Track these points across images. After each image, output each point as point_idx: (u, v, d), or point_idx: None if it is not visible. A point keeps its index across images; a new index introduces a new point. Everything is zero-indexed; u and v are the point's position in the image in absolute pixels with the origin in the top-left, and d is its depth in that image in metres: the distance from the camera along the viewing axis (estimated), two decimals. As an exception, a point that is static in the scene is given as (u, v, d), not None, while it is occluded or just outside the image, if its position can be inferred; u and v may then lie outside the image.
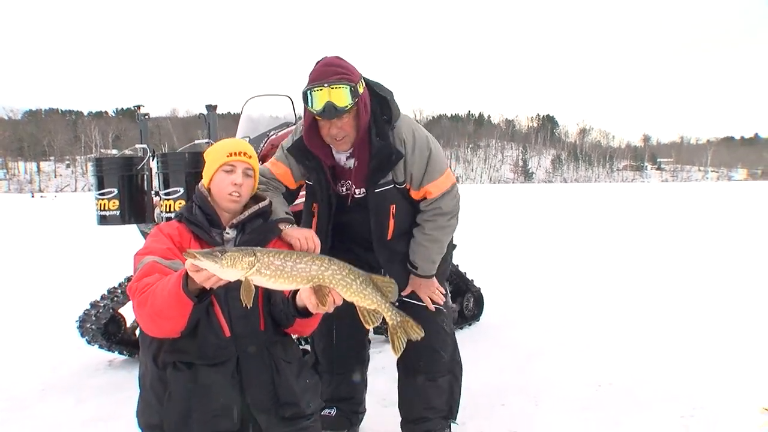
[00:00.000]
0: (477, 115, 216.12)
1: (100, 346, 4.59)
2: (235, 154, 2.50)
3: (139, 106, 4.83)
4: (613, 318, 6.02)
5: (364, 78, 2.74)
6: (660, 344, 5.04)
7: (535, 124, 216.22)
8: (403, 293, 3.04)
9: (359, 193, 2.92)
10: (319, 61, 2.66)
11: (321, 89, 2.54)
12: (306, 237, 2.67)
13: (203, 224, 2.47)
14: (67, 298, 6.42)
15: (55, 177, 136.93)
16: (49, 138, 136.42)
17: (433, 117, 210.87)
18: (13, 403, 3.99)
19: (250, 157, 2.54)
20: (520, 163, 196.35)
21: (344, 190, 2.96)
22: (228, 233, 2.52)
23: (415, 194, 2.93)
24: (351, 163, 2.87)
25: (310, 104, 2.59)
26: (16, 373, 4.54)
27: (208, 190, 2.55)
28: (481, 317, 5.95)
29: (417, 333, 2.25)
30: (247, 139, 4.63)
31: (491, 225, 17.36)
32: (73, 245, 13.09)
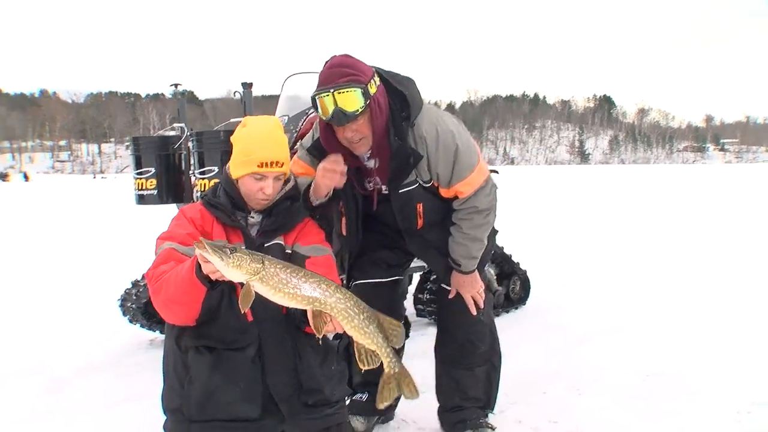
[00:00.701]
0: (532, 96, 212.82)
1: (141, 326, 4.61)
2: (267, 164, 2.32)
3: (176, 84, 4.80)
4: (666, 304, 5.75)
5: (379, 72, 2.57)
6: (718, 334, 4.78)
7: (592, 105, 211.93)
8: (444, 285, 2.97)
9: (386, 190, 2.79)
10: (327, 62, 2.49)
11: (328, 94, 2.38)
12: (323, 167, 2.58)
13: (226, 208, 2.38)
14: (113, 276, 6.50)
15: (116, 158, 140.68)
16: (110, 120, 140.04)
17: (488, 97, 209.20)
18: (54, 380, 4.03)
19: (282, 164, 2.37)
20: (577, 144, 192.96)
21: (371, 186, 2.82)
22: (253, 217, 2.43)
23: (444, 193, 2.77)
24: (372, 163, 2.73)
25: (319, 111, 2.44)
26: (60, 351, 4.58)
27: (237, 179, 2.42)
28: (527, 301, 5.78)
29: (412, 393, 2.14)
30: (286, 117, 4.54)
31: (544, 207, 17.03)
32: (121, 224, 13.40)
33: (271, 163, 2.33)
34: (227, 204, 2.39)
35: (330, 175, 2.57)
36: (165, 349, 2.39)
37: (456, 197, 2.75)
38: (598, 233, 11.43)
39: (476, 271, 2.91)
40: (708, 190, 27.58)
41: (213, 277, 1.96)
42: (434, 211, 2.83)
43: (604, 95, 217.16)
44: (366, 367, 2.08)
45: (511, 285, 5.62)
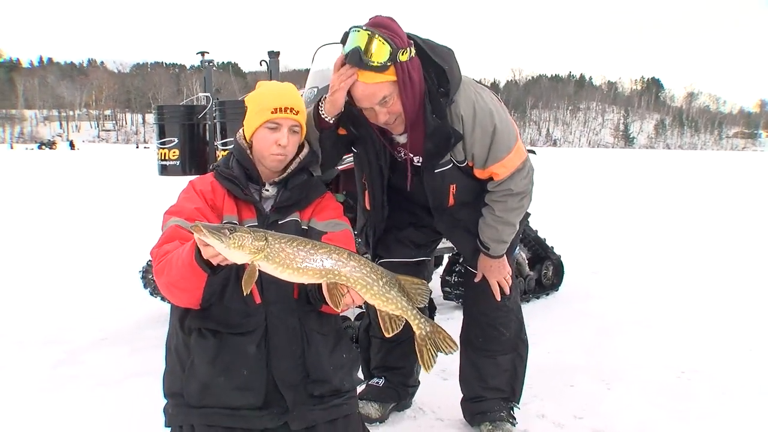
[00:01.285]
0: (578, 77, 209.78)
1: (162, 299, 4.55)
2: (281, 110, 2.21)
3: (203, 53, 4.67)
4: (705, 299, 5.49)
5: (417, 44, 2.37)
6: (759, 332, 4.53)
7: (639, 87, 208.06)
8: (470, 267, 2.83)
9: (417, 162, 2.60)
10: (370, 18, 2.30)
11: (359, 31, 2.19)
12: (333, 81, 2.34)
13: (240, 179, 2.24)
14: (138, 246, 6.49)
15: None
16: (154, 91, 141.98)
17: (533, 77, 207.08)
18: (72, 350, 3.99)
19: (297, 112, 2.25)
20: (621, 127, 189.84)
21: (403, 156, 2.63)
22: (267, 190, 2.29)
23: (479, 173, 2.58)
24: (403, 138, 2.54)
25: (345, 44, 2.24)
26: (78, 321, 4.56)
27: (250, 142, 2.31)
28: (560, 287, 5.59)
29: (449, 347, 1.99)
30: (316, 89, 4.41)
31: (583, 191, 16.64)
32: (151, 194, 13.42)
33: (285, 109, 2.21)
34: (241, 175, 2.26)
35: (339, 80, 2.30)
36: (169, 329, 2.28)
37: (491, 178, 2.58)
38: (638, 220, 11.09)
39: (505, 256, 2.74)
40: (758, 178, 26.73)
41: (215, 261, 1.82)
42: (467, 191, 2.66)
43: (652, 78, 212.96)
44: (391, 334, 1.95)
45: (543, 270, 5.44)
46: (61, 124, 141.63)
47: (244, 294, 1.81)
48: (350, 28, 2.24)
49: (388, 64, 2.20)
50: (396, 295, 1.89)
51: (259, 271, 1.81)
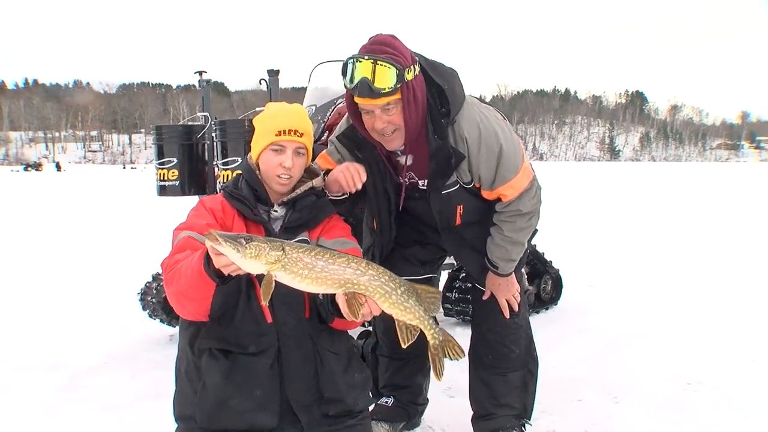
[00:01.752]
0: (563, 91, 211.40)
1: (161, 321, 4.51)
2: (285, 132, 2.20)
3: (201, 72, 4.64)
4: (705, 309, 5.51)
5: (422, 62, 2.37)
6: (760, 341, 4.54)
7: (623, 101, 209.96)
8: (478, 285, 2.82)
9: (423, 185, 2.59)
10: (371, 37, 2.29)
11: (362, 61, 2.17)
12: (346, 166, 2.40)
13: (249, 200, 2.23)
14: (134, 269, 6.43)
15: (146, 149, 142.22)
16: (140, 111, 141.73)
17: (518, 92, 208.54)
18: (74, 374, 3.93)
19: (301, 135, 2.24)
20: (607, 140, 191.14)
21: (406, 181, 2.62)
22: (276, 211, 2.28)
23: (487, 195, 2.57)
24: (405, 159, 2.52)
25: (347, 77, 2.22)
26: (78, 346, 4.48)
27: (257, 163, 2.30)
28: (559, 301, 5.58)
29: (457, 355, 1.98)
30: (314, 107, 4.39)
31: (574, 204, 16.67)
32: (145, 215, 13.35)
33: (289, 131, 2.20)
34: (250, 196, 2.25)
35: (346, 177, 2.39)
36: (178, 351, 2.25)
37: (499, 199, 2.57)
38: (629, 232, 11.13)
39: (513, 273, 2.73)
40: (742, 189, 26.96)
41: (226, 271, 1.78)
42: (474, 211, 2.66)
43: (636, 91, 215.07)
44: (407, 344, 1.92)
45: (542, 284, 5.43)
46: (47, 146, 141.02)
47: (264, 303, 1.77)
48: (349, 59, 2.22)
49: (398, 86, 2.20)
50: (414, 305, 1.87)
51: (276, 282, 1.77)
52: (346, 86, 2.25)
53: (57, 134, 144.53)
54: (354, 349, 2.41)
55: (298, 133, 2.22)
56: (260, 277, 1.77)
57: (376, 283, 1.83)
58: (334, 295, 1.90)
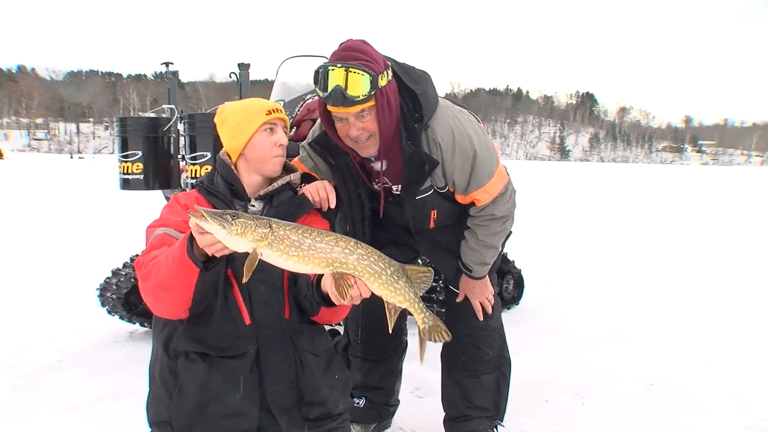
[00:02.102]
0: (515, 90, 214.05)
1: (121, 317, 4.37)
2: (274, 111, 2.21)
3: (167, 63, 4.52)
4: (665, 308, 5.65)
5: (394, 66, 2.33)
6: (721, 341, 4.67)
7: (574, 102, 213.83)
8: (452, 287, 2.80)
9: (396, 190, 2.56)
10: (341, 44, 2.24)
11: (334, 69, 2.12)
12: (317, 187, 2.37)
13: (225, 195, 2.18)
14: (91, 264, 6.24)
15: (94, 138, 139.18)
16: (89, 99, 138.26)
17: (471, 90, 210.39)
18: (28, 373, 3.80)
19: (283, 113, 2.27)
20: (557, 140, 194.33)
21: (379, 186, 2.58)
22: (253, 206, 2.23)
23: (461, 199, 2.54)
24: (379, 165, 2.48)
25: (320, 85, 2.16)
26: (32, 344, 4.33)
27: (240, 155, 2.23)
28: (520, 301, 5.63)
29: (444, 338, 1.93)
30: (281, 102, 4.31)
31: (529, 204, 16.89)
32: (102, 209, 13.01)
33: (276, 110, 2.23)
34: (226, 191, 2.20)
35: (314, 198, 2.35)
36: (152, 354, 2.17)
37: (473, 204, 2.55)
38: (583, 231, 11.34)
39: (487, 276, 2.72)
40: (687, 191, 27.76)
41: (210, 251, 1.72)
42: (448, 215, 2.64)
43: (587, 92, 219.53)
44: (392, 327, 1.88)
45: (504, 284, 5.46)
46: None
47: (244, 280, 1.70)
48: (321, 67, 2.16)
49: (372, 93, 2.16)
50: (404, 285, 1.83)
51: (260, 261, 1.71)
52: (318, 95, 2.20)
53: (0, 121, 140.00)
54: (333, 349, 2.37)
55: (281, 111, 2.25)
56: (261, 263, 1.71)
57: (365, 262, 1.78)
58: (320, 281, 1.85)
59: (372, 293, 1.83)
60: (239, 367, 2.04)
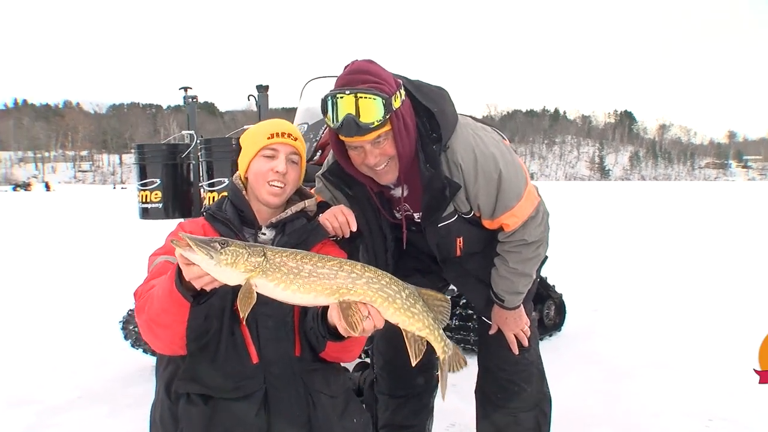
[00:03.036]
0: (552, 111, 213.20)
1: (144, 351, 4.24)
2: (278, 135, 2.02)
3: (186, 88, 4.40)
4: (720, 333, 5.29)
5: (407, 84, 2.12)
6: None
7: (613, 120, 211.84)
8: (485, 318, 2.56)
9: (418, 218, 2.35)
10: (347, 66, 2.04)
11: (343, 97, 1.92)
12: (335, 213, 2.18)
13: (233, 222, 2.01)
14: (115, 295, 6.14)
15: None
16: (131, 131, 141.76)
17: (508, 112, 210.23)
18: (44, 411, 3.67)
19: (295, 139, 2.06)
20: (597, 159, 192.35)
21: (400, 215, 2.38)
22: (264, 234, 2.05)
23: (488, 224, 2.33)
24: (399, 191, 2.29)
25: (330, 115, 1.96)
26: (54, 378, 4.22)
27: (245, 180, 2.08)
28: (562, 327, 5.35)
29: (462, 365, 1.75)
30: (305, 125, 4.17)
31: (569, 225, 16.51)
32: (129, 238, 12.98)
33: (282, 134, 2.04)
34: (234, 218, 2.03)
35: (333, 225, 2.18)
36: (154, 397, 1.99)
37: (502, 229, 2.33)
38: (628, 253, 10.93)
39: (522, 305, 2.48)
40: (733, 208, 26.90)
41: (198, 284, 1.54)
42: (475, 242, 2.42)
43: (625, 111, 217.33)
44: (417, 360, 1.67)
45: (545, 310, 5.20)
46: (36, 166, 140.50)
47: (242, 317, 1.51)
48: (328, 96, 1.96)
49: (387, 117, 1.96)
50: (421, 310, 1.64)
51: (258, 294, 1.52)
52: (329, 125, 2.01)
53: (47, 154, 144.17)
54: (351, 390, 2.15)
55: (291, 137, 2.05)
56: (267, 297, 1.55)
57: (375, 286, 1.58)
58: (326, 312, 1.67)
59: (386, 321, 1.63)
60: (246, 409, 1.84)
